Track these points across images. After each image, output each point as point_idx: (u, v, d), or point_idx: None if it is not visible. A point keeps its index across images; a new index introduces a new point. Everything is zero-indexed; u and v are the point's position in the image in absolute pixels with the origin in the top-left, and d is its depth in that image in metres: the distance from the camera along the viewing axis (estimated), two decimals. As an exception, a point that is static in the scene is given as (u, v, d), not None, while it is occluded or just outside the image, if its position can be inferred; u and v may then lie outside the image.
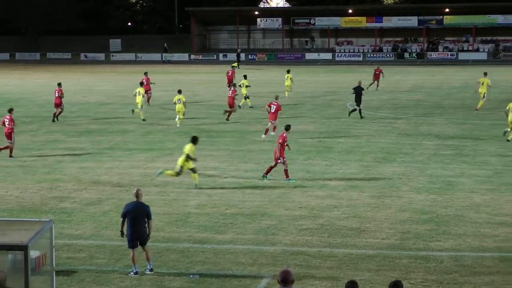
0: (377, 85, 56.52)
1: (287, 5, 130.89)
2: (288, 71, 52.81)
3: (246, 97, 46.96)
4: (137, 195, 16.85)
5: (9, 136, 30.77)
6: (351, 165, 28.72)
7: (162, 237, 19.30)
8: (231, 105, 41.29)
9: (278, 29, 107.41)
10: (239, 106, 45.35)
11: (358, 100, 41.19)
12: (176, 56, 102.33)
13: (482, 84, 44.87)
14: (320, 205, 22.63)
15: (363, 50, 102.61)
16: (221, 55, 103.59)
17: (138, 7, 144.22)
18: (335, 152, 31.37)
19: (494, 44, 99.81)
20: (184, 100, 38.80)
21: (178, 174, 24.94)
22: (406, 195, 23.74)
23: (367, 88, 51.99)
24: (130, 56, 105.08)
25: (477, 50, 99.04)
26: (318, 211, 21.95)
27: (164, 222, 20.76)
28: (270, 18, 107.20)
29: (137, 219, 16.58)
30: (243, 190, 24.66)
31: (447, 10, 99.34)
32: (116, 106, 48.45)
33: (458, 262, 17.28)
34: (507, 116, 33.42)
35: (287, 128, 26.39)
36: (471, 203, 22.59)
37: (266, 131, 35.00)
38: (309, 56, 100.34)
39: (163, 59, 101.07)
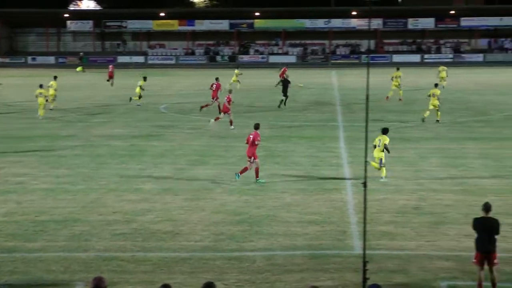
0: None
1: (98, 7, 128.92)
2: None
3: (140, 96, 48.97)
4: None
5: None
6: (165, 168, 28.68)
7: (-34, 248, 18.40)
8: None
9: (89, 32, 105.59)
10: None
11: (285, 91, 46.97)
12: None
13: (396, 77, 51.42)
14: (134, 209, 22.42)
15: (176, 53, 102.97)
16: (29, 58, 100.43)
17: None
18: (148, 156, 31.22)
19: (302, 48, 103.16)
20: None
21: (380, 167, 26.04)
22: (219, 197, 23.98)
23: (275, 86, 56.49)
24: None
25: (287, 53, 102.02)
26: (132, 215, 21.73)
27: (-31, 232, 19.80)
28: (81, 21, 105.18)
29: None
30: (55, 196, 24.01)
31: (257, 14, 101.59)
32: None
33: (270, 261, 17.64)
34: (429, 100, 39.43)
35: (257, 127, 26.77)
36: (283, 203, 23.16)
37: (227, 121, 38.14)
38: (121, 59, 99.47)
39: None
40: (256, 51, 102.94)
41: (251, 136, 26.36)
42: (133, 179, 26.75)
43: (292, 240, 19.36)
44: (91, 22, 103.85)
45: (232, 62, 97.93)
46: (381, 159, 26.21)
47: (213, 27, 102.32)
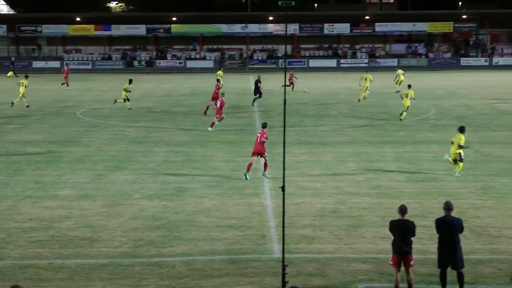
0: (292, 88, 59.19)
1: (12, 11, 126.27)
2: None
3: (126, 99, 49.50)
4: None
5: None
6: (82, 174, 28.29)
7: None
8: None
9: (3, 37, 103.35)
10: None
11: (256, 91, 51.28)
12: None
13: (366, 79, 53.90)
14: (50, 216, 22.04)
15: (92, 58, 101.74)
16: None
17: None
18: (65, 162, 30.74)
19: (220, 53, 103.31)
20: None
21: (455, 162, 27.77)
22: (138, 203, 23.80)
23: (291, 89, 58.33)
24: None
25: (204, 58, 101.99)
26: (49, 222, 21.37)
27: None
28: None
29: None
30: (-33, 205, 23.41)
31: (174, 19, 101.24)
32: None
33: (190, 266, 17.60)
34: (403, 100, 42.04)
35: (265, 125, 28.35)
36: (202, 208, 23.13)
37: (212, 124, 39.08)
38: (36, 64, 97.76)
39: None
40: (174, 56, 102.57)
41: (258, 134, 27.64)
42: (49, 185, 26.30)
43: (211, 245, 19.35)
44: (4, 27, 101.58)
45: (150, 67, 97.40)
46: (460, 154, 27.58)
47: (130, 32, 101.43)
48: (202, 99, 54.15)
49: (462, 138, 27.51)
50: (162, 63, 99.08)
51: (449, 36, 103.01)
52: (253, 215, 22.24)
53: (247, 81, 74.59)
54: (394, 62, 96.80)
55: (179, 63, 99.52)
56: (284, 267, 14.11)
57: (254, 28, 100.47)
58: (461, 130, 27.92)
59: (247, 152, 32.43)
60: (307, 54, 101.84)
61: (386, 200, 24.00)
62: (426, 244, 18.58)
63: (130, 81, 51.18)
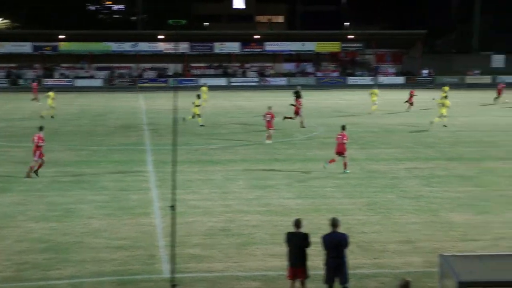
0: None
1: None
2: None
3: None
4: None
5: None
6: (-35, 196, 27.38)
7: None
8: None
9: None
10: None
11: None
12: None
13: (372, 94, 59.19)
14: None
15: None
16: None
17: None
18: None
19: (109, 71, 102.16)
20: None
21: None
22: (24, 225, 23.21)
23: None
24: None
25: (93, 77, 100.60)
26: None
27: None
28: None
29: None
30: None
31: (62, 36, 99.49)
32: None
33: (78, 289, 17.28)
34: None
35: (344, 128, 32.84)
36: (90, 229, 22.77)
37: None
38: None
39: None
40: (62, 74, 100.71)
41: (339, 136, 32.20)
42: None
43: (100, 266, 19.06)
44: None
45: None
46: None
47: (15, 49, 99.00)
48: (90, 119, 53.38)
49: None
50: (49, 81, 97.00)
51: (336, 55, 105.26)
52: (143, 235, 22.06)
53: (137, 99, 74.07)
54: (283, 81, 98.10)
55: (67, 82, 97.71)
56: (173, 286, 14.05)
57: (144, 46, 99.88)
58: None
59: (137, 172, 32.19)
60: (197, 73, 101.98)
61: (276, 217, 24.24)
62: (314, 260, 18.81)
63: (199, 96, 51.57)
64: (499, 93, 68.63)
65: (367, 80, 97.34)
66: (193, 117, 49.17)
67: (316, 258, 18.86)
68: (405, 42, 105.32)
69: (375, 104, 59.10)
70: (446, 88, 62.74)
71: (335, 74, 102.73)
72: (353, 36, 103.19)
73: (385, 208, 25.84)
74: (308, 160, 35.89)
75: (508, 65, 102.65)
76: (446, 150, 38.92)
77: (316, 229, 21.65)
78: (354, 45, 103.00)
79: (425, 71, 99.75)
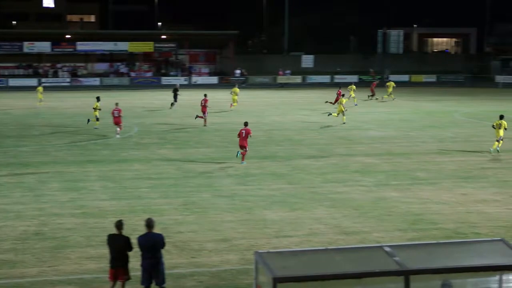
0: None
1: None
2: None
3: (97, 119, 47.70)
4: None
5: None
6: None
7: None
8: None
9: None
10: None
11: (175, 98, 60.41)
12: None
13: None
14: None
15: None
16: None
17: None
18: None
19: None
20: None
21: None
22: None
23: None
24: None
25: None
26: None
27: None
28: None
29: None
30: None
31: None
32: None
33: None
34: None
35: (247, 124, 35.46)
36: None
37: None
38: None
39: None
40: None
41: (243, 131, 34.60)
42: None
43: None
44: None
45: None
46: (501, 136, 37.94)
47: None
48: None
49: (505, 123, 38.22)
50: None
51: (150, 55, 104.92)
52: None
53: None
54: (96, 81, 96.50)
55: None
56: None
57: None
58: (501, 117, 38.64)
59: None
60: (6, 73, 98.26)
61: (91, 219, 23.84)
62: (131, 261, 18.68)
63: (98, 99, 49.10)
64: (372, 92, 72.48)
65: (181, 80, 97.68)
66: (97, 120, 48.22)
67: (132, 259, 18.73)
68: (218, 42, 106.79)
69: (236, 102, 61.29)
70: (353, 87, 69.01)
71: (149, 74, 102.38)
72: (165, 36, 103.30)
73: (201, 207, 26.06)
74: (122, 161, 35.55)
75: (317, 65, 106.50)
76: (260, 148, 39.78)
77: (132, 231, 21.49)
78: (168, 45, 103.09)
79: (238, 71, 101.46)
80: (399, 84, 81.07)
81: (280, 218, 24.60)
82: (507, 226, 23.67)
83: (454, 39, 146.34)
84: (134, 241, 16.39)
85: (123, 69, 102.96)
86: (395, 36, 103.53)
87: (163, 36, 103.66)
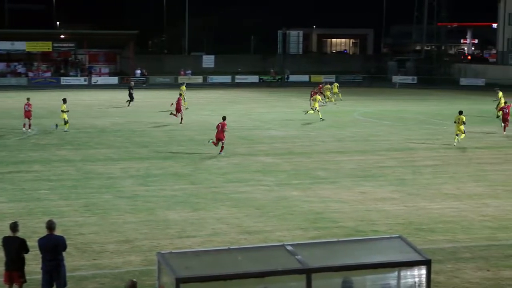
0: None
1: None
2: None
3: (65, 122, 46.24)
4: None
5: None
6: None
7: None
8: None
9: None
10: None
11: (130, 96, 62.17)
12: None
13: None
14: None
15: None
16: None
17: None
18: None
19: None
20: None
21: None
22: None
23: None
24: None
25: None
26: None
27: None
28: None
29: None
30: None
31: None
32: None
33: None
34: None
35: (225, 118, 37.86)
36: None
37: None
38: None
39: None
40: None
41: (220, 124, 37.15)
42: None
43: None
44: None
45: None
46: (464, 130, 41.01)
47: None
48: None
49: (463, 117, 40.82)
50: None
51: (48, 55, 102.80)
52: None
53: None
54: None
55: None
56: None
57: None
58: (460, 112, 41.29)
59: None
60: None
61: (-12, 223, 23.22)
62: (31, 264, 18.32)
63: (64, 101, 47.56)
64: (323, 95, 69.40)
65: (80, 80, 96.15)
66: (65, 123, 46.73)
67: (32, 262, 18.40)
68: (118, 42, 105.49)
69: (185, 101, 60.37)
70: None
71: (48, 74, 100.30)
72: (64, 36, 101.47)
73: (102, 208, 25.79)
74: (21, 163, 34.81)
75: (218, 65, 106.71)
76: (161, 149, 39.64)
77: (31, 233, 21.10)
78: (66, 45, 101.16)
79: (138, 71, 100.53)
80: (299, 84, 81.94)
81: (182, 219, 24.59)
82: (405, 223, 24.34)
83: (352, 40, 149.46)
84: (34, 243, 16.10)
85: (20, 69, 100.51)
86: (295, 36, 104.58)
87: (61, 36, 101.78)
